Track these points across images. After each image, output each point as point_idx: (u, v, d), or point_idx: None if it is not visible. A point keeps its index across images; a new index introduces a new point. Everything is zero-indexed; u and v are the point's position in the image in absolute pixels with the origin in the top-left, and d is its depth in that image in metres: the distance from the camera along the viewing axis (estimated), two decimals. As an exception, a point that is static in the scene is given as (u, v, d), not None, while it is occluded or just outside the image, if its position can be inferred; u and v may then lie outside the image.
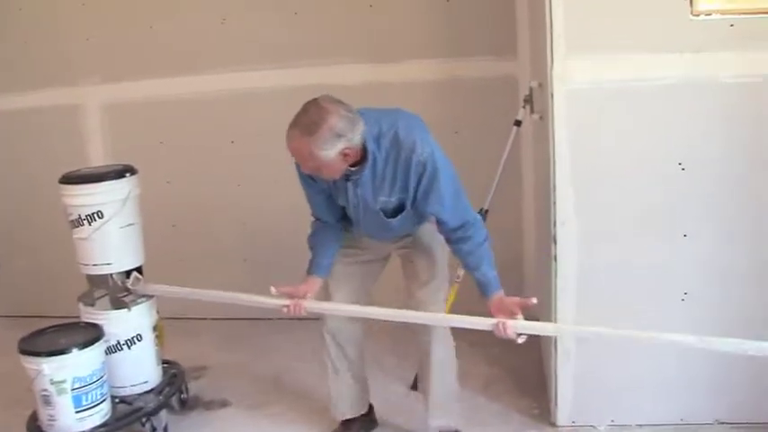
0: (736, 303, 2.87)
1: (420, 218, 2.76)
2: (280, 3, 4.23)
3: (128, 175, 3.14)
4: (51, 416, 2.89)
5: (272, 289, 2.72)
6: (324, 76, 4.16)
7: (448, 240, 2.71)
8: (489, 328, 2.50)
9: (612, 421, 3.07)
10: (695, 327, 2.86)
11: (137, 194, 3.17)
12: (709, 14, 2.70)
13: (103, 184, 3.07)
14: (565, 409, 3.09)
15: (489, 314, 2.57)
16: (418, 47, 4.15)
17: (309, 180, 2.68)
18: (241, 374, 3.87)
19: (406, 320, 2.78)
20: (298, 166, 2.60)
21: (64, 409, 2.88)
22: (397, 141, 2.52)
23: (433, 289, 2.86)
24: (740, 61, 2.71)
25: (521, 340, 2.50)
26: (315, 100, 2.44)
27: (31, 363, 2.85)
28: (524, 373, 3.64)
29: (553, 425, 3.14)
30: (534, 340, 3.93)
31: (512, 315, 2.52)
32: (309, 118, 2.40)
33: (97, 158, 4.50)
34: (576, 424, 3.10)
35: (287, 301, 2.73)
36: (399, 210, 2.65)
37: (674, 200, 2.83)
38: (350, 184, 2.60)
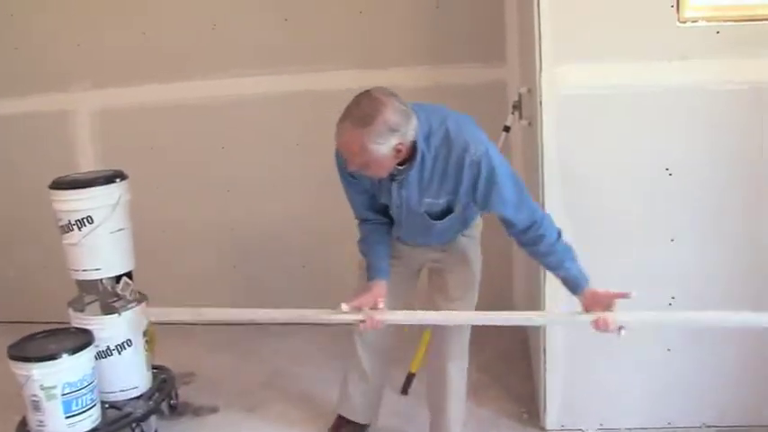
0: (722, 307, 2.88)
1: (465, 223, 2.73)
2: (270, 9, 4.25)
3: (118, 180, 3.14)
4: (41, 421, 2.88)
5: (344, 306, 2.47)
6: (314, 83, 4.17)
7: (520, 244, 2.55)
8: (589, 324, 2.39)
9: (601, 425, 3.09)
10: (683, 330, 2.90)
11: (127, 200, 3.17)
12: (696, 21, 2.73)
13: (93, 189, 3.07)
14: (554, 414, 3.10)
15: (584, 310, 2.47)
16: (408, 53, 4.17)
17: (351, 179, 2.56)
18: (231, 380, 3.86)
19: (482, 323, 2.73)
20: (340, 165, 2.52)
21: (54, 414, 2.87)
22: (448, 140, 2.38)
23: (462, 307, 2.78)
24: (726, 68, 2.74)
25: (623, 332, 2.36)
26: (368, 92, 2.31)
27: (20, 368, 2.85)
28: (513, 378, 3.65)
29: (542, 429, 3.15)
30: (523, 345, 3.96)
31: (607, 308, 2.39)
32: (362, 110, 2.26)
33: (87, 164, 4.49)
34: (565, 428, 3.12)
35: (360, 316, 2.48)
36: (446, 212, 2.55)
37: (662, 205, 2.86)
38: (395, 185, 2.48)
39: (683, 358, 2.96)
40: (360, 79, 4.15)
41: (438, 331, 2.86)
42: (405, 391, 3.56)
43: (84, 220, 3.05)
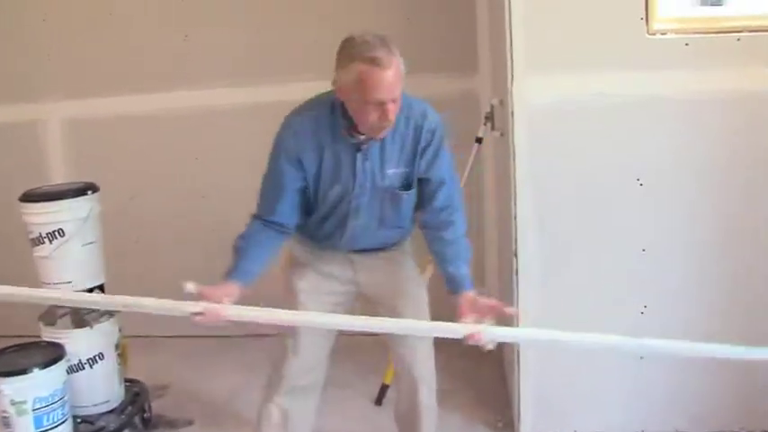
0: (694, 316, 2.93)
1: (409, 216, 2.52)
2: (242, 21, 4.24)
3: (89, 192, 3.12)
4: (11, 437, 2.85)
5: (189, 285, 2.25)
6: (285, 93, 4.12)
7: (428, 225, 2.45)
8: (461, 337, 2.16)
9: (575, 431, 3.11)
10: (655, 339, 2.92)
11: (98, 212, 3.15)
12: (665, 34, 2.77)
13: (64, 201, 3.06)
14: (527, 421, 3.11)
15: (457, 313, 2.29)
16: (380, 63, 4.18)
17: (294, 170, 2.32)
18: (205, 392, 3.84)
19: (366, 330, 2.32)
20: (287, 149, 2.31)
21: (24, 430, 2.84)
22: (410, 106, 2.32)
23: (430, 354, 2.63)
24: (695, 79, 2.78)
25: (491, 347, 2.24)
26: (366, 31, 2.17)
27: (-10, 383, 2.82)
28: (487, 385, 3.67)
29: (517, 437, 3.17)
30: (497, 352, 3.97)
31: (482, 316, 2.24)
32: (381, 40, 2.13)
33: (58, 175, 4.45)
34: (539, 435, 3.13)
35: (199, 308, 2.19)
36: (406, 187, 2.40)
37: (633, 215, 2.89)
38: (359, 156, 2.30)
39: (656, 365, 2.98)
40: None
41: (408, 351, 2.60)
42: (379, 401, 3.55)
43: (56, 232, 3.04)
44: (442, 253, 2.44)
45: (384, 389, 3.56)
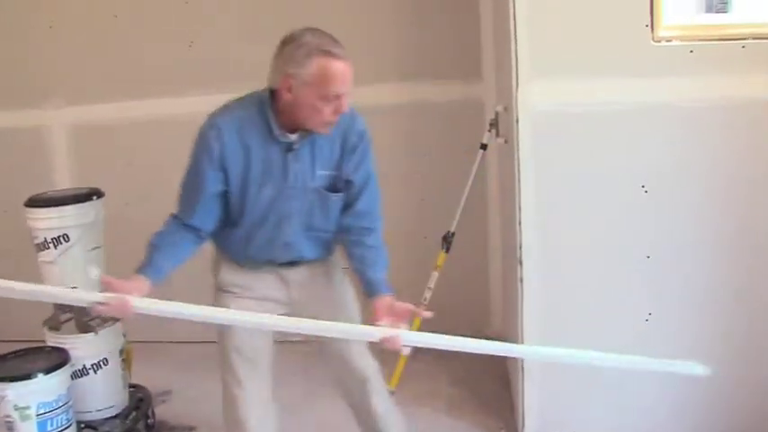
0: (698, 323, 2.92)
1: (333, 221, 2.44)
2: (247, 26, 4.25)
3: (94, 198, 3.13)
4: (15, 442, 2.85)
5: (94, 271, 2.22)
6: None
7: (350, 230, 2.42)
8: (377, 340, 2.17)
9: (580, 440, 3.10)
10: (659, 346, 2.92)
11: (103, 217, 3.16)
12: (670, 41, 2.77)
13: (70, 207, 3.06)
14: (531, 427, 3.11)
15: (373, 316, 2.27)
16: (385, 70, 4.19)
17: (215, 175, 2.27)
18: (207, 398, 3.79)
19: (282, 330, 2.31)
20: (210, 148, 2.24)
21: (28, 435, 2.84)
22: None
23: (376, 367, 2.56)
24: (700, 86, 2.78)
25: (406, 351, 2.25)
26: (307, 28, 2.19)
27: (-6, 388, 2.82)
28: (490, 392, 3.66)
29: (520, 444, 3.16)
30: (500, 359, 3.97)
31: (399, 320, 2.21)
32: (329, 35, 2.17)
33: (63, 180, 4.47)
34: (543, 443, 3.13)
35: (105, 297, 2.10)
36: (334, 190, 2.37)
37: (637, 222, 2.88)
38: (290, 156, 2.26)
39: (660, 372, 2.97)
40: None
41: (355, 369, 2.52)
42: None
43: (61, 238, 3.04)
44: (363, 257, 2.41)
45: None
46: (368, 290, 2.37)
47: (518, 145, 2.85)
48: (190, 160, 2.32)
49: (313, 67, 2.10)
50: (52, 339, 3.14)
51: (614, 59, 2.77)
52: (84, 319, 3.15)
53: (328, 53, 2.12)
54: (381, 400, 2.57)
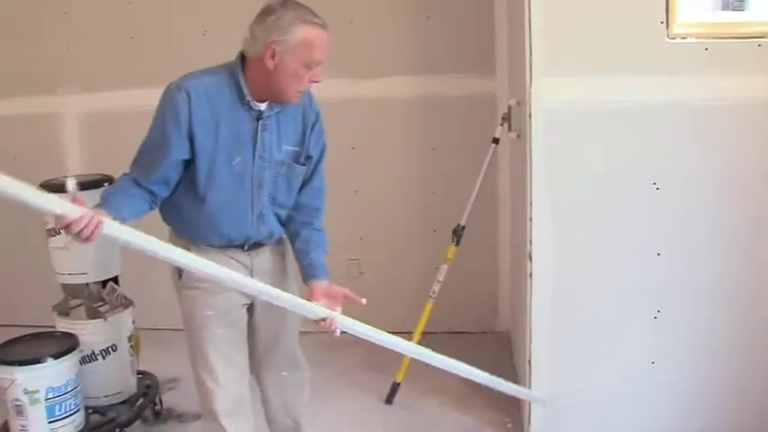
0: (707, 322, 2.92)
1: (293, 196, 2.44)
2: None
3: (106, 184, 3.13)
4: (23, 426, 2.87)
5: (71, 183, 2.02)
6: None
7: (303, 210, 2.44)
8: (316, 318, 2.26)
9: (585, 436, 3.10)
10: (667, 344, 2.93)
11: (115, 204, 3.16)
12: (685, 38, 2.76)
13: (81, 193, 3.06)
14: (538, 423, 3.11)
15: (309, 297, 2.34)
16: (398, 63, 4.19)
17: (181, 142, 2.20)
18: (215, 386, 3.85)
19: (239, 289, 2.29)
20: (179, 111, 2.20)
21: (37, 419, 2.86)
22: None
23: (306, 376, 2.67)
24: (714, 84, 2.77)
25: (338, 333, 2.29)
26: (281, 2, 2.21)
27: (4, 372, 2.83)
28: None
29: (526, 439, 3.16)
30: (506, 353, 3.98)
31: (334, 303, 2.30)
32: (308, 7, 2.22)
33: (74, 168, 4.47)
34: (549, 438, 3.13)
35: (79, 212, 1.89)
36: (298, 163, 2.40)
37: (648, 219, 2.87)
38: (260, 125, 2.26)
39: (667, 369, 2.97)
40: (350, 89, 4.18)
41: (281, 388, 2.62)
42: (389, 400, 3.56)
43: (72, 223, 3.04)
44: (309, 239, 2.42)
45: (395, 387, 3.56)
46: (308, 272, 2.40)
47: (531, 140, 2.84)
48: (154, 122, 2.27)
49: (299, 35, 2.14)
50: (62, 324, 3.16)
51: (629, 56, 2.76)
52: (93, 305, 3.17)
53: (312, 22, 2.17)
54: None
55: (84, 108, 4.57)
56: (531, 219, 2.90)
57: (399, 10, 4.17)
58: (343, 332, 2.32)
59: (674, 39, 2.75)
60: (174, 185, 2.28)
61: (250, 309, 2.48)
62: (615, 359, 2.98)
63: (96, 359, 3.14)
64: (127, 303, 3.27)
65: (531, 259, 2.94)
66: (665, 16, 2.73)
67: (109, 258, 3.18)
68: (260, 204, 2.33)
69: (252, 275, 2.38)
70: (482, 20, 4.12)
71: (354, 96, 4.17)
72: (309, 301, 2.30)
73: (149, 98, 4.35)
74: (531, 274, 2.95)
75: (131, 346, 3.28)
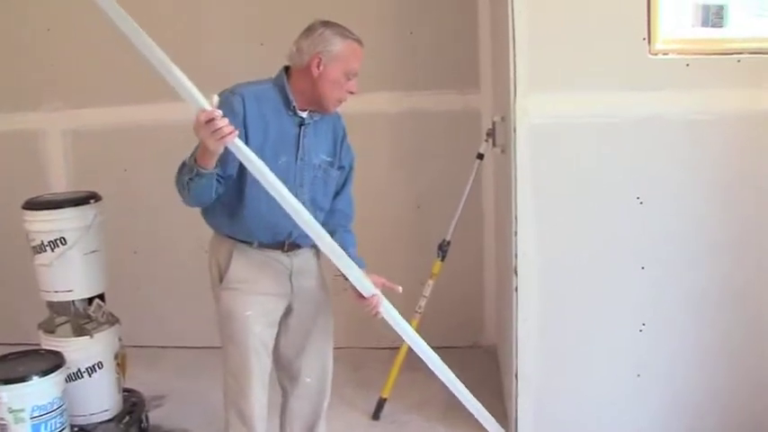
0: (692, 334, 2.95)
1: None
2: (248, 33, 4.25)
3: (92, 201, 3.14)
4: (9, 445, 2.85)
5: (215, 98, 2.22)
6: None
7: (336, 214, 2.63)
8: (365, 293, 2.48)
9: (572, 449, 3.11)
10: (653, 356, 2.95)
11: (101, 221, 3.16)
12: (666, 54, 2.80)
13: (67, 210, 3.07)
14: (525, 435, 3.12)
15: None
16: (383, 79, 4.19)
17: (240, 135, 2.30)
18: (201, 403, 3.83)
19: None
20: (232, 113, 2.31)
21: (22, 438, 2.84)
22: None
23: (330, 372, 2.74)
24: (695, 99, 2.82)
25: (379, 316, 2.52)
26: (326, 20, 2.48)
27: (-12, 390, 2.81)
28: (484, 402, 3.65)
29: (514, 453, 3.17)
30: (493, 367, 3.99)
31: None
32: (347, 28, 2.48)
33: (58, 185, 4.46)
34: (536, 452, 3.13)
35: (210, 110, 2.18)
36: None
37: (633, 233, 2.90)
38: (302, 131, 2.46)
39: (653, 383, 2.99)
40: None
41: (302, 395, 2.70)
42: (376, 416, 3.55)
43: (58, 241, 3.04)
44: (344, 238, 2.58)
45: (381, 403, 3.56)
46: None
47: (515, 155, 2.86)
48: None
49: (342, 45, 2.42)
50: (47, 342, 3.14)
51: (612, 72, 2.79)
52: (79, 323, 3.15)
53: (350, 37, 2.45)
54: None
55: (68, 124, 4.55)
56: (516, 233, 2.93)
57: (383, 25, 4.18)
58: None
59: (655, 55, 2.79)
60: (227, 177, 2.40)
61: (285, 313, 2.60)
62: (601, 372, 3.00)
63: (82, 377, 3.12)
64: (113, 321, 3.26)
65: (516, 273, 2.95)
66: (646, 33, 2.77)
67: (95, 276, 3.17)
68: (301, 201, 2.43)
69: (291, 277, 2.55)
70: (466, 35, 4.14)
71: (339, 111, 4.17)
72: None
73: (134, 114, 4.43)
74: (516, 289, 2.97)
75: (117, 364, 3.27)
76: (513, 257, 2.96)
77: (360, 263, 2.53)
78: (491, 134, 3.52)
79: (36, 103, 4.54)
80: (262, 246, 2.50)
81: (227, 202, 2.45)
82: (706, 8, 2.90)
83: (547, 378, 3.03)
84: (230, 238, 2.52)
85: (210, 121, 2.15)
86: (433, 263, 3.63)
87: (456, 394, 2.86)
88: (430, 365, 2.75)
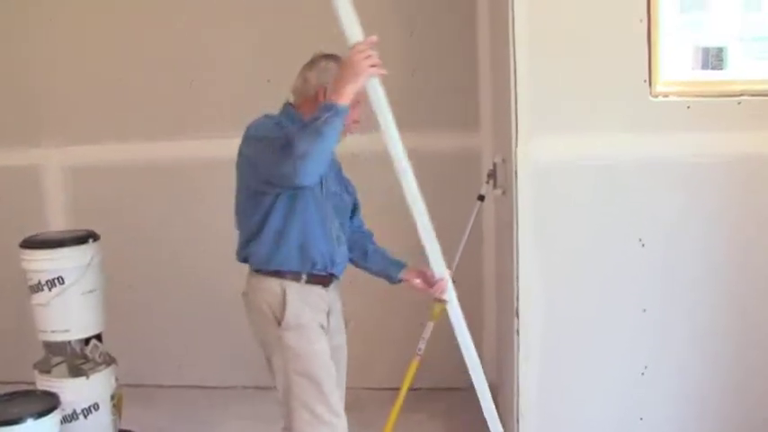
0: (695, 377, 2.92)
1: None
2: (252, 70, 4.26)
3: (90, 240, 3.12)
4: (2, 487, 2.81)
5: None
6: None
7: (360, 234, 2.78)
8: (438, 276, 2.56)
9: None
10: (655, 399, 2.92)
11: (99, 260, 3.14)
12: (668, 96, 2.81)
13: (65, 249, 3.06)
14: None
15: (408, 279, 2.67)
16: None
17: None
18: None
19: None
20: (277, 132, 2.42)
21: (16, 480, 2.79)
22: None
23: None
24: (697, 141, 2.82)
25: (445, 298, 2.59)
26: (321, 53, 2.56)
27: (-18, 432, 2.78)
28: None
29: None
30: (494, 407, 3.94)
31: (428, 283, 2.62)
32: None
33: (57, 222, 4.43)
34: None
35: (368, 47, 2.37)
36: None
37: (634, 275, 2.89)
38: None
39: (655, 426, 2.96)
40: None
41: None
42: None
43: (55, 280, 3.03)
44: (378, 248, 2.77)
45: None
46: (394, 264, 2.72)
47: (517, 197, 2.86)
48: (265, 136, 2.39)
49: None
50: (43, 382, 3.11)
51: (613, 114, 2.80)
52: (76, 363, 3.12)
53: None
54: None
55: (68, 161, 4.54)
56: (517, 276, 2.91)
57: (385, 65, 4.19)
58: None
59: (656, 97, 2.80)
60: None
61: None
62: (603, 415, 2.97)
63: (78, 418, 3.09)
64: (109, 361, 3.24)
65: (518, 316, 2.93)
66: (647, 75, 2.78)
67: (92, 315, 3.15)
68: (335, 227, 2.54)
69: (329, 314, 2.57)
70: (467, 76, 4.15)
71: (340, 151, 4.17)
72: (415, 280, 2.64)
73: (134, 152, 4.42)
74: (518, 331, 2.95)
75: (114, 405, 3.23)
76: (514, 300, 2.94)
77: (401, 263, 2.69)
78: (492, 175, 3.51)
79: (36, 139, 4.53)
80: (309, 280, 2.49)
81: (277, 227, 2.44)
82: (706, 51, 2.93)
83: (549, 421, 3.00)
84: (277, 275, 2.47)
85: (368, 50, 2.34)
86: (433, 304, 3.61)
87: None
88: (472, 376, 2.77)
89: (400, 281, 2.69)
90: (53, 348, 3.15)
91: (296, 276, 2.47)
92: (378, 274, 2.74)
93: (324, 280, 2.53)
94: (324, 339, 2.51)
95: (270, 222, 2.43)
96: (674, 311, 2.90)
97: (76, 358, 3.13)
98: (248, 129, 2.47)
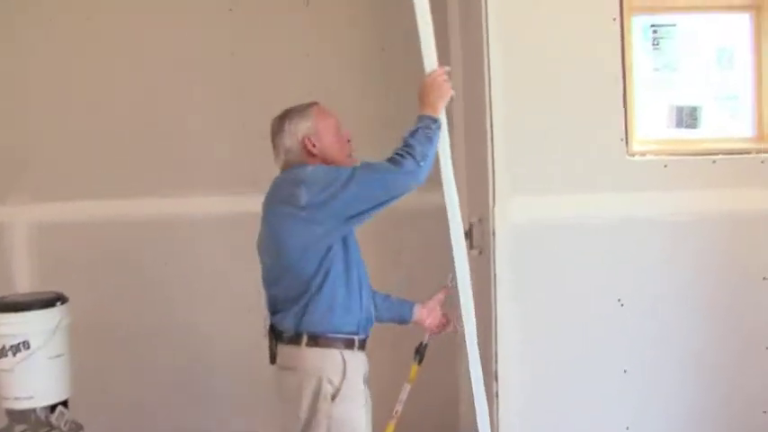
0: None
1: None
2: (227, 129, 4.23)
3: (58, 303, 3.04)
4: None
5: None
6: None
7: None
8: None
9: None
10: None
11: (67, 324, 3.05)
12: (644, 155, 2.82)
13: (31, 313, 2.98)
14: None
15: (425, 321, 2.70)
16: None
17: None
18: None
19: None
20: None
21: None
22: None
23: None
24: (674, 200, 2.84)
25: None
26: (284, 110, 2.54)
27: None
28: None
29: None
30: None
31: (435, 314, 2.72)
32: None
33: (23, 283, 4.32)
34: None
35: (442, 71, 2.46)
36: None
37: (614, 336, 2.88)
38: None
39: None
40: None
41: None
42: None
43: (20, 345, 2.94)
44: (385, 298, 2.68)
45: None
46: (404, 304, 2.71)
47: (495, 258, 2.85)
48: (335, 177, 2.35)
49: (311, 116, 2.47)
50: (6, 455, 2.99)
51: (591, 174, 2.82)
52: (40, 431, 3.01)
53: (307, 106, 2.49)
54: None
55: (35, 218, 4.44)
56: (496, 337, 2.87)
57: (357, 119, 4.19)
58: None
59: (633, 156, 2.81)
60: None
61: None
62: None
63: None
64: (76, 428, 3.12)
65: (496, 379, 2.89)
66: (624, 134, 2.79)
67: (59, 381, 3.05)
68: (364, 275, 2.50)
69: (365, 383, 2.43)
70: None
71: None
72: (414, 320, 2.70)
73: (105, 209, 4.33)
74: (497, 394, 2.90)
75: (82, 479, 3.12)
76: (492, 362, 2.90)
77: (409, 302, 2.70)
78: (468, 235, 3.48)
79: (2, 196, 4.43)
80: (360, 344, 2.40)
81: (329, 290, 2.35)
82: (680, 110, 2.96)
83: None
84: (331, 344, 2.34)
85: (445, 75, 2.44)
86: (410, 366, 3.54)
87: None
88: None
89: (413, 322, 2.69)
90: (16, 416, 3.03)
91: (350, 343, 2.36)
92: (390, 320, 2.69)
93: (364, 343, 2.43)
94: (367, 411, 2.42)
95: (330, 278, 2.35)
96: (655, 372, 2.89)
97: (41, 426, 3.02)
98: (299, 181, 2.37)
